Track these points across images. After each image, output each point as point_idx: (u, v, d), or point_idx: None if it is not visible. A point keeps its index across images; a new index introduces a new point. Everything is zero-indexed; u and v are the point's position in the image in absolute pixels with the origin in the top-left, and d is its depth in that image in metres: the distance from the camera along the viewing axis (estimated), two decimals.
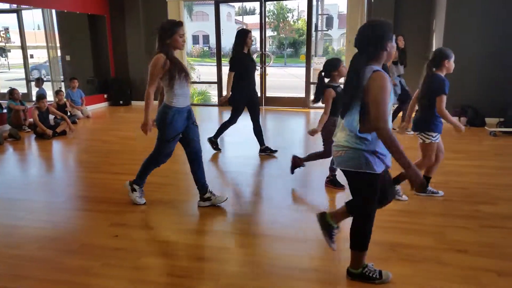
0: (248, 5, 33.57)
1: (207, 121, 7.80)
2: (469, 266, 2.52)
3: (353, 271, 2.40)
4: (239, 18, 34.02)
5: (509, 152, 5.14)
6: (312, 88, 11.07)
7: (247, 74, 4.91)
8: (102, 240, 2.92)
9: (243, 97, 4.95)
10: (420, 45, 8.00)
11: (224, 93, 5.25)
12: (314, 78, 11.08)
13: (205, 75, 12.40)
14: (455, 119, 3.39)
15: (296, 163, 4.07)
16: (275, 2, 29.11)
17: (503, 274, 2.42)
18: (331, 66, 3.61)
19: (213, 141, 5.30)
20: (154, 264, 2.62)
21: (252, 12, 33.05)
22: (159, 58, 3.09)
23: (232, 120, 5.08)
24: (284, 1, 28.76)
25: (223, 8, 32.73)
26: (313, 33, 13.35)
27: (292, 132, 6.76)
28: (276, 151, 5.12)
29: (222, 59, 9.21)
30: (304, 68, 9.02)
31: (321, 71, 3.67)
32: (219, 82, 9.09)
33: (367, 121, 2.06)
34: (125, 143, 5.81)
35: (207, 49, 29.72)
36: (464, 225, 3.08)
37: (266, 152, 5.12)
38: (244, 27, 9.46)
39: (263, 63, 8.69)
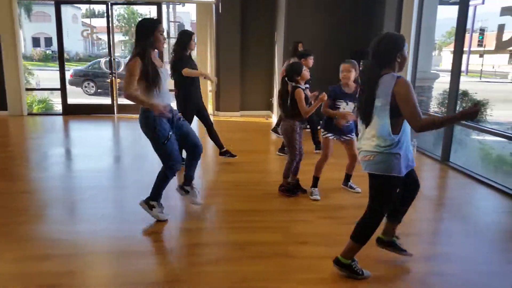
0: (97, 7, 31.64)
1: (51, 131, 7.12)
2: (310, 255, 2.79)
3: (343, 261, 2.50)
4: (87, 20, 31.82)
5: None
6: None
7: (194, 79, 4.59)
8: None
9: (193, 104, 4.65)
10: (264, 54, 8.62)
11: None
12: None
13: (48, 81, 11.28)
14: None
15: (291, 187, 3.94)
16: (125, 6, 28.08)
17: None
18: (295, 71, 3.70)
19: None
20: None
21: (101, 15, 31.19)
22: (136, 63, 2.92)
23: None
24: (134, 6, 27.89)
25: (68, 9, 30.00)
26: (166, 40, 13.29)
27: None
28: (235, 155, 5.02)
29: (66, 63, 8.52)
30: None
31: (284, 76, 3.74)
32: (62, 88, 8.37)
33: (396, 124, 2.26)
34: None
35: (50, 53, 27.10)
36: (304, 219, 3.41)
37: (226, 155, 4.97)
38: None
39: (112, 68, 8.30)
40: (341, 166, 4.21)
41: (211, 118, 5.01)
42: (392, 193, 2.44)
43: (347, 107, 3.72)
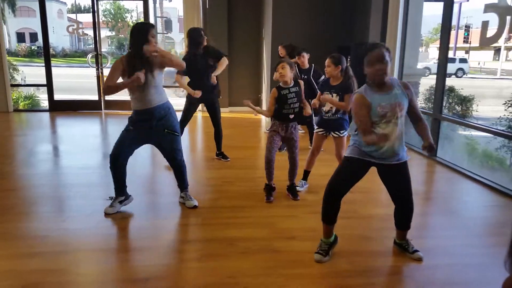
0: (83, 2, 31.31)
1: (38, 128, 7.03)
2: (297, 250, 2.81)
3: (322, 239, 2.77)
4: (72, 15, 31.46)
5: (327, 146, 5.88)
6: None
7: (198, 75, 4.64)
8: None
9: (193, 98, 4.70)
10: (252, 50, 8.61)
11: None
12: None
13: (33, 77, 11.14)
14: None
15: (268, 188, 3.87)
16: (111, 1, 27.80)
17: None
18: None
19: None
20: None
21: (87, 10, 30.90)
22: (119, 61, 3.10)
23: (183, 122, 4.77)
24: (121, 1, 27.63)
25: (53, 4, 29.63)
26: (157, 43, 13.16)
27: None
28: (228, 159, 5.03)
29: (52, 59, 8.42)
30: None
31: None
32: (48, 84, 8.26)
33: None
34: None
35: (36, 48, 26.76)
36: (291, 214, 3.43)
37: (219, 157, 5.05)
38: (75, 25, 8.80)
39: (99, 64, 8.21)
40: (332, 162, 4.24)
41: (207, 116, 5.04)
42: (341, 171, 2.65)
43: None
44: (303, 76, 5.50)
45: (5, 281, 2.41)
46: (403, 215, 2.72)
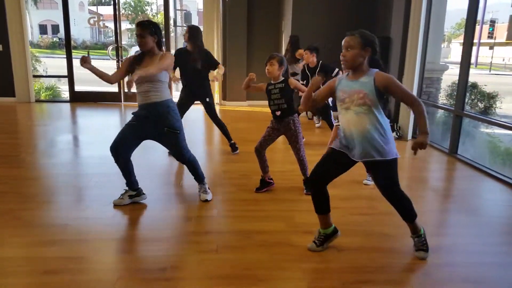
0: None
1: (59, 118, 7.16)
2: None
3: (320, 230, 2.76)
4: (93, 8, 31.80)
5: None
6: None
7: (185, 71, 4.78)
8: None
9: (185, 94, 4.85)
10: (271, 43, 8.57)
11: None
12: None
13: (55, 68, 11.31)
14: None
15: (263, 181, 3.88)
16: None
17: (341, 249, 2.74)
18: None
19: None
20: None
21: (108, 3, 31.19)
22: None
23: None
24: None
25: None
26: (173, 28, 13.24)
27: None
28: (235, 150, 5.02)
29: (73, 51, 8.54)
30: None
31: None
32: (69, 76, 8.38)
33: None
34: None
35: (57, 40, 27.14)
36: (309, 209, 3.39)
37: (231, 147, 5.05)
38: (95, 17, 8.89)
39: (119, 56, 8.29)
40: None
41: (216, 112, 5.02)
42: (321, 161, 2.67)
43: None
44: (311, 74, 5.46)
45: (26, 267, 2.46)
46: (395, 208, 2.65)
